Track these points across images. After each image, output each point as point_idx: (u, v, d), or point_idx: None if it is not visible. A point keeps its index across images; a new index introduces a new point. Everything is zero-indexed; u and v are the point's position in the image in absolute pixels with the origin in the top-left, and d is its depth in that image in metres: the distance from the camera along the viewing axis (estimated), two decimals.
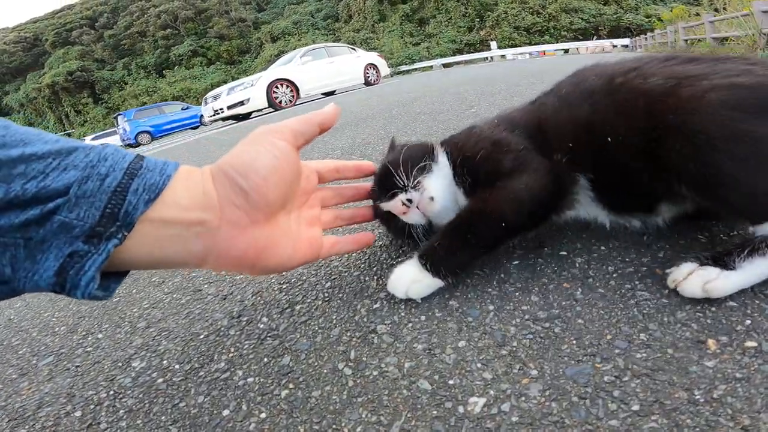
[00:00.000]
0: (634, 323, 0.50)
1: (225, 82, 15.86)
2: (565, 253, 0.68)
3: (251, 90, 7.51)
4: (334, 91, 9.31)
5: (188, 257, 0.41)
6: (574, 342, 0.49)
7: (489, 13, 29.32)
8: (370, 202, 0.73)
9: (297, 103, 8.09)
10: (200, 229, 0.40)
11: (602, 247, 0.67)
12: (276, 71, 8.11)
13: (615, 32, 24.90)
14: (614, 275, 0.59)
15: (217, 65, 36.47)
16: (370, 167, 0.69)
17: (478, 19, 29.91)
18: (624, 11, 26.84)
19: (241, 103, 7.50)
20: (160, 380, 0.59)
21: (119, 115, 14.23)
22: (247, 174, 0.43)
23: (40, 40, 42.14)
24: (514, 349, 0.51)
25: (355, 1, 34.84)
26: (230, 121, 8.39)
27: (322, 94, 9.21)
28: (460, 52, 26.95)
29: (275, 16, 40.47)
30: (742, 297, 0.50)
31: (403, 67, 24.30)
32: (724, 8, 6.64)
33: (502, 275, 0.65)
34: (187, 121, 13.78)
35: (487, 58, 22.53)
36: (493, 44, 23.96)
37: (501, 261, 0.69)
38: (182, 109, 14.37)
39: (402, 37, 30.72)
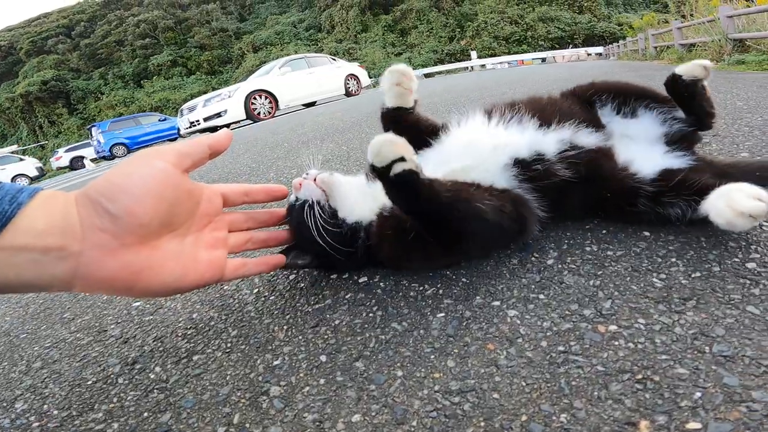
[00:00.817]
0: (557, 399, 0.41)
1: (205, 92, 15.65)
2: (498, 303, 0.59)
3: (228, 101, 7.34)
4: (315, 102, 9.20)
5: (52, 281, 0.41)
6: (482, 425, 0.40)
7: (469, 23, 29.86)
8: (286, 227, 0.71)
9: (276, 114, 7.95)
10: (60, 254, 0.40)
11: (541, 296, 0.58)
12: (254, 82, 7.97)
13: (589, 40, 25.62)
14: (548, 333, 0.51)
15: (198, 75, 35.99)
16: (281, 191, 0.67)
17: (458, 29, 30.42)
18: (597, 20, 27.68)
19: (218, 114, 7.32)
20: (36, 425, 0.57)
21: (93, 126, 13.75)
22: (115, 197, 0.42)
23: (15, 49, 40.98)
24: (412, 429, 0.42)
25: (338, 12, 35.05)
26: (208, 134, 8.21)
27: (303, 105, 9.09)
28: (441, 61, 27.27)
29: (257, 26, 40.34)
30: (696, 362, 0.42)
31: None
32: (691, 15, 6.79)
33: (422, 331, 0.57)
34: (164, 133, 13.47)
35: (467, 67, 22.84)
36: (473, 54, 24.34)
37: (424, 313, 0.61)
38: (160, 120, 14.05)
39: (384, 48, 30.96)
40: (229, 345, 0.64)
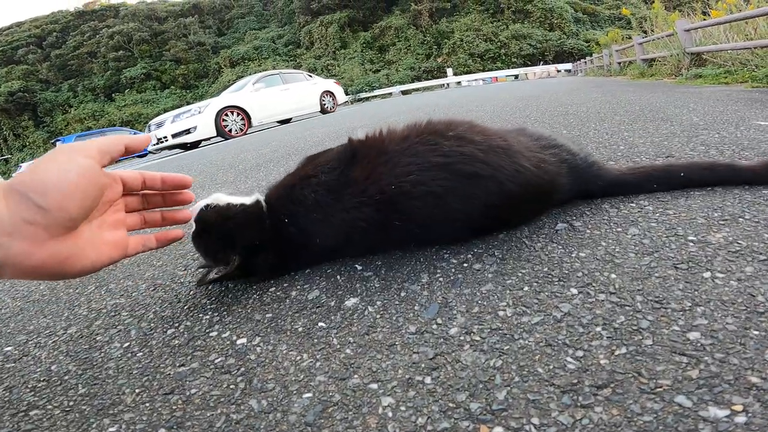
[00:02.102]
0: None
1: (179, 107, 15.36)
2: (375, 386, 0.47)
3: (198, 117, 7.08)
4: (290, 119, 9.02)
5: None
6: None
7: (446, 40, 30.53)
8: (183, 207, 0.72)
9: (248, 131, 7.73)
10: None
11: (428, 379, 0.45)
12: (226, 98, 7.76)
13: (559, 57, 26.51)
14: None
15: (172, 89, 35.24)
16: (180, 180, 0.67)
17: (435, 47, 31.06)
18: (567, 37, 28.73)
19: (188, 131, 7.03)
20: None
21: (59, 140, 13.26)
22: (46, 192, 0.44)
23: None
24: None
25: (318, 28, 35.29)
26: (177, 150, 7.91)
27: (278, 122, 8.88)
28: (418, 78, 27.66)
29: (236, 41, 40.12)
30: None
31: (363, 94, 24.50)
32: (652, 30, 6.99)
33: (279, 415, 0.46)
34: None
35: (443, 84, 23.22)
36: (449, 71, 24.80)
37: (291, 391, 0.50)
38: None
39: (363, 64, 31.25)
40: (71, 403, 0.57)
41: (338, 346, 0.55)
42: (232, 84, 10.45)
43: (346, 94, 14.52)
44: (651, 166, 0.84)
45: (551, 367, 0.43)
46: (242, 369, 0.55)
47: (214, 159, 3.75)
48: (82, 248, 0.50)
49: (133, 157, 13.20)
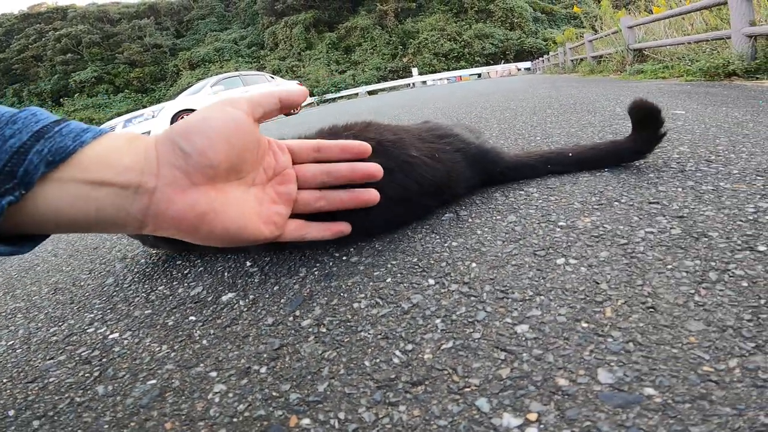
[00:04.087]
0: None
1: (134, 111, 14.68)
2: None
3: (152, 122, 6.89)
4: None
5: (127, 218, 0.41)
6: None
7: (411, 40, 30.76)
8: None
9: None
10: (137, 190, 0.40)
11: (263, 369, 0.38)
12: (182, 101, 7.63)
13: (520, 56, 27.31)
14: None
15: (126, 93, 33.50)
16: (361, 148, 0.56)
17: (401, 47, 31.23)
18: (526, 36, 29.61)
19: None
20: None
21: None
22: (189, 137, 0.44)
23: None
24: None
25: (282, 29, 34.68)
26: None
27: None
28: (384, 78, 27.72)
29: (195, 43, 38.74)
30: None
31: (329, 96, 24.30)
32: (601, 28, 7.31)
33: None
34: None
35: (409, 84, 23.40)
36: (415, 70, 25.01)
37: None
38: None
39: (328, 65, 30.98)
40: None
41: (197, 338, 0.54)
42: (190, 87, 10.15)
43: (312, 95, 14.36)
44: (546, 150, 0.85)
45: (378, 360, 0.41)
46: (103, 360, 0.56)
47: None
48: (224, 207, 0.46)
49: None
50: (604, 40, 6.50)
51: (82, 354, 0.58)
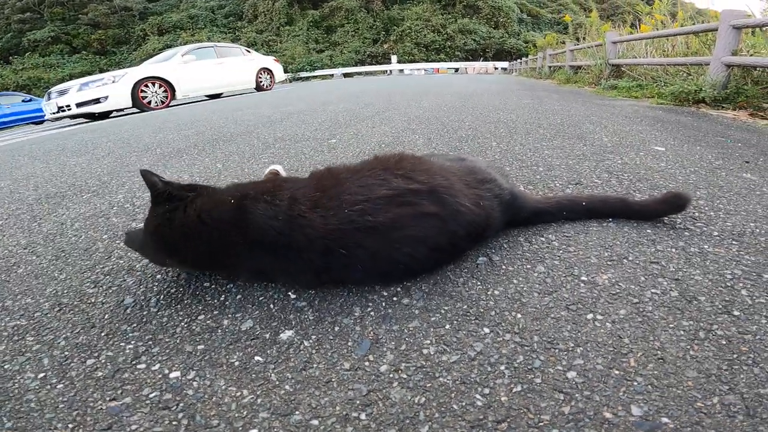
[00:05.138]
0: None
1: (90, 73, 13.60)
2: (316, 422, 0.49)
3: (111, 87, 6.51)
4: (221, 94, 8.63)
5: None
6: None
7: (395, 27, 30.31)
8: None
9: (171, 104, 7.26)
10: None
11: (362, 416, 0.49)
12: (148, 68, 7.20)
13: (499, 55, 27.70)
14: None
15: (83, 54, 30.97)
16: None
17: (384, 32, 30.73)
18: (509, 36, 30.01)
19: (97, 101, 6.46)
20: None
21: None
22: None
23: None
24: None
25: (264, 2, 33.04)
26: (82, 120, 7.11)
27: (206, 96, 8.47)
28: (362, 62, 27.28)
29: (169, 8, 36.23)
30: None
31: (303, 74, 23.72)
32: (584, 38, 7.56)
33: None
34: (28, 115, 11.84)
35: (386, 71, 23.21)
36: (394, 58, 24.79)
37: (236, 428, 0.51)
38: (24, 101, 12.23)
39: (307, 43, 30.01)
40: None
41: (277, 382, 0.56)
42: (157, 53, 9.60)
43: (286, 72, 13.98)
44: (562, 196, 0.97)
45: (464, 403, 0.50)
46: (181, 405, 0.54)
47: (127, 137, 3.33)
48: None
49: (28, 123, 11.90)
50: (585, 51, 6.73)
51: (152, 397, 0.55)
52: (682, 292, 0.68)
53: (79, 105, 6.43)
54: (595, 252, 0.82)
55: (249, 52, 9.52)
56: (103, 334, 0.71)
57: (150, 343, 0.67)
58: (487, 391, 0.51)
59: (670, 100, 3.41)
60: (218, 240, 0.71)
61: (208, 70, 8.00)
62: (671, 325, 0.60)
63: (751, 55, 2.92)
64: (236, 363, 0.60)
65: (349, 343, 0.62)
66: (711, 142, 1.77)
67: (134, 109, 6.94)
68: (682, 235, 0.87)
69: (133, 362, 0.63)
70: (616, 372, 0.52)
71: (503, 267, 0.78)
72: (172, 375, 0.60)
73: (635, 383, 0.51)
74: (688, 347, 0.56)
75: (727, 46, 2.84)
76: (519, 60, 17.50)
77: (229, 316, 0.72)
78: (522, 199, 0.88)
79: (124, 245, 1.08)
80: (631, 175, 1.30)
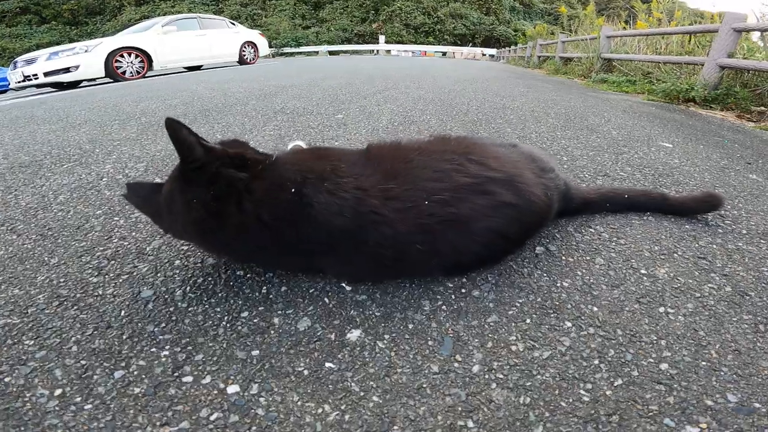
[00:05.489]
0: None
1: (59, 44, 12.76)
2: None
3: (83, 57, 6.27)
4: (200, 66, 8.43)
5: None
6: None
7: (385, 7, 29.50)
8: None
9: (147, 74, 7.03)
10: None
11: (470, 422, 0.41)
12: (123, 38, 6.97)
13: (487, 41, 27.59)
14: None
15: (53, 24, 28.63)
16: None
17: (373, 12, 29.90)
18: (499, 23, 29.83)
19: (66, 70, 6.22)
20: None
21: None
22: None
23: None
24: None
25: None
26: (48, 90, 6.69)
27: (184, 67, 8.23)
28: (349, 41, 26.57)
29: None
30: None
31: (287, 49, 22.98)
32: (576, 31, 7.61)
33: None
34: None
35: (373, 51, 22.76)
36: (382, 38, 24.28)
37: None
38: None
39: (293, 18, 28.85)
40: None
41: (361, 393, 0.50)
42: (134, 24, 9.13)
43: (270, 47, 13.56)
44: (606, 188, 0.98)
45: (571, 400, 0.49)
46: (253, 429, 0.45)
47: (104, 104, 3.08)
48: None
49: None
50: (577, 44, 6.77)
51: (214, 420, 0.46)
52: (733, 287, 0.71)
53: (47, 74, 6.18)
54: (645, 245, 0.83)
55: (234, 24, 9.31)
56: (124, 336, 0.59)
57: (189, 348, 0.57)
58: (589, 386, 0.51)
59: (661, 97, 3.49)
60: (278, 240, 0.61)
61: (190, 41, 7.79)
62: (734, 319, 0.63)
63: (745, 58, 3.01)
64: (305, 372, 0.53)
65: (429, 342, 0.58)
66: (710, 141, 1.83)
67: (107, 79, 6.63)
68: (716, 232, 0.90)
69: (176, 374, 0.53)
70: (703, 363, 0.54)
71: (563, 258, 0.78)
72: (231, 390, 0.51)
73: (722, 373, 0.53)
74: (755, 339, 0.58)
75: (724, 48, 2.92)
76: (507, 48, 17.49)
77: (279, 313, 0.63)
78: (573, 189, 0.88)
79: (122, 219, 0.97)
80: (651, 169, 1.33)
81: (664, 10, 5.11)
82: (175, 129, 0.56)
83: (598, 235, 0.86)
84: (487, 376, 0.53)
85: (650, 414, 0.47)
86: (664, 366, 0.54)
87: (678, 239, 0.85)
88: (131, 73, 6.70)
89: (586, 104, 2.87)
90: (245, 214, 0.59)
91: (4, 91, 10.43)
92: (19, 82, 6.41)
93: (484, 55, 22.35)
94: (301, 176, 0.62)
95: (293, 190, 0.60)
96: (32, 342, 0.60)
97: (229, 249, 0.67)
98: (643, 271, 0.74)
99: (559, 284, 0.70)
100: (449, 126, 1.95)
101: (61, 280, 0.75)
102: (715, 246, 0.83)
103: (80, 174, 1.38)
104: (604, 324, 0.61)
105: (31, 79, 6.25)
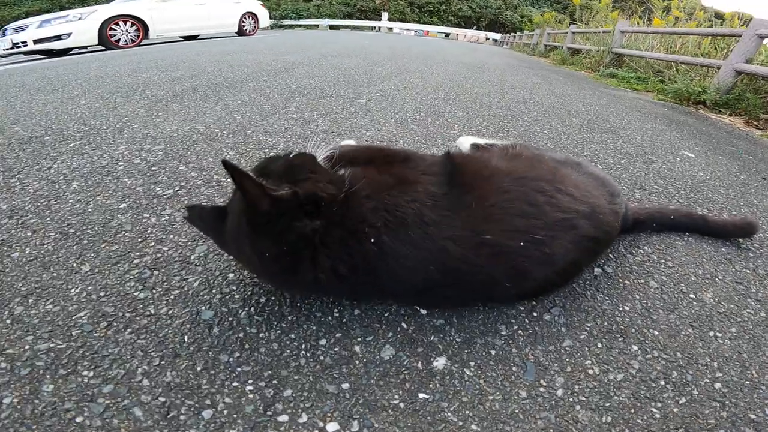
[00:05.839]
0: None
1: (50, 11, 12.19)
2: None
3: (76, 24, 6.16)
4: (197, 35, 8.25)
5: None
6: None
7: None
8: None
9: (143, 43, 6.85)
10: None
11: None
12: (119, 6, 6.77)
13: (492, 26, 27.01)
14: None
15: None
16: None
17: None
18: (506, 8, 29.16)
19: (58, 37, 6.10)
20: None
21: None
22: None
23: None
24: None
25: None
26: (37, 57, 6.43)
27: (180, 37, 8.01)
28: (350, 16, 25.78)
29: None
30: None
31: (287, 21, 22.23)
32: (587, 22, 7.50)
33: None
34: None
35: (374, 27, 22.16)
36: (385, 15, 23.59)
37: None
38: None
39: None
40: None
41: (460, 423, 0.51)
42: None
43: (270, 18, 13.11)
44: (653, 207, 1.02)
45: (645, 417, 0.54)
46: None
47: (102, 74, 2.91)
48: None
49: None
50: (588, 36, 6.66)
51: None
52: (767, 313, 0.75)
53: (36, 41, 6.02)
54: (690, 269, 0.87)
55: None
56: (198, 368, 0.55)
57: (275, 383, 0.53)
58: (659, 404, 0.56)
59: (672, 97, 3.49)
60: (357, 289, 0.59)
61: (188, 9, 7.59)
62: None
63: (762, 65, 3.01)
64: (401, 405, 0.52)
65: (513, 368, 0.60)
66: (727, 151, 1.85)
67: (99, 47, 6.42)
68: (748, 256, 0.94)
69: (268, 413, 0.49)
70: (747, 382, 0.60)
71: (619, 280, 0.82)
72: (330, 428, 0.49)
73: (761, 390, 0.59)
74: None
75: (744, 53, 2.92)
76: (512, 34, 17.17)
77: (359, 340, 0.61)
78: (629, 211, 0.91)
79: (153, 217, 0.89)
80: (681, 183, 1.35)
81: (684, 9, 5.04)
82: (239, 178, 0.51)
83: (647, 257, 0.90)
84: (571, 399, 0.57)
85: (709, 427, 0.53)
86: (717, 385, 0.60)
87: (717, 263, 0.90)
88: (126, 41, 6.52)
89: (601, 102, 2.86)
90: (320, 269, 0.55)
91: None
92: (7, 49, 6.16)
93: (487, 39, 21.94)
94: (381, 220, 0.56)
95: (372, 240, 0.55)
96: (91, 373, 0.53)
97: (306, 292, 0.68)
98: (692, 296, 0.79)
99: (621, 308, 0.74)
100: (477, 121, 1.94)
101: (101, 294, 0.67)
102: (748, 271, 0.88)
103: (91, 156, 1.27)
104: (665, 347, 0.66)
105: (20, 46, 6.04)
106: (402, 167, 0.68)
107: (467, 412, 0.53)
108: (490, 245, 0.58)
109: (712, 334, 0.69)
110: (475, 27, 25.85)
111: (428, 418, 0.51)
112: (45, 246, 0.79)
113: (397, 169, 0.66)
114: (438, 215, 0.58)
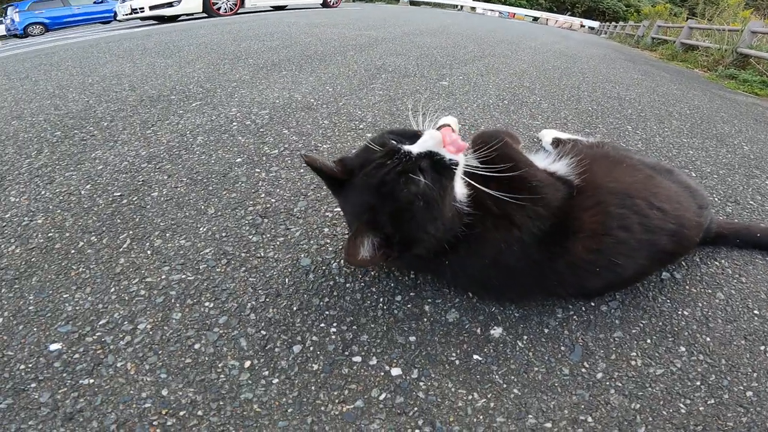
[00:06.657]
0: None
1: None
2: (549, 425, 0.54)
3: None
4: (285, 6, 8.71)
5: None
6: None
7: None
8: None
9: (239, 11, 7.41)
10: None
11: (589, 418, 0.56)
12: None
13: (589, 13, 24.54)
14: None
15: None
16: None
17: None
18: None
19: (170, 4, 6.79)
20: None
21: (10, 5, 12.35)
22: None
23: None
24: None
25: None
26: (150, 22, 7.23)
27: (271, 6, 8.54)
28: None
29: None
30: None
31: None
32: (710, 19, 6.62)
33: None
34: (96, 16, 12.71)
35: (457, 6, 21.28)
36: None
37: None
38: (95, 2, 13.04)
39: None
40: None
41: (503, 385, 0.57)
42: None
43: None
44: (740, 224, 0.99)
45: (671, 410, 0.58)
46: (416, 410, 0.51)
47: (208, 42, 3.22)
48: None
49: (96, 22, 12.01)
50: (708, 33, 5.89)
51: (383, 399, 0.51)
52: None
53: (152, 8, 6.75)
54: (763, 287, 0.84)
55: None
56: (294, 308, 0.63)
57: (354, 328, 0.61)
58: (688, 401, 0.59)
59: None
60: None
61: None
62: None
63: None
64: (456, 362, 0.59)
65: (562, 348, 0.65)
66: None
67: (202, 15, 7.06)
68: None
69: (346, 353, 0.57)
70: None
71: (686, 287, 0.82)
72: (394, 372, 0.56)
73: None
74: None
75: None
76: (612, 23, 15.51)
77: (429, 301, 0.68)
78: (713, 222, 0.88)
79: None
80: None
81: None
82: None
83: (722, 270, 0.87)
84: (607, 383, 0.61)
85: (726, 428, 0.56)
86: (749, 393, 0.61)
87: None
88: (225, 9, 7.11)
89: (712, 105, 2.57)
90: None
91: (109, 22, 11.60)
92: (127, 14, 7.08)
93: (582, 26, 20.00)
94: (515, 227, 0.60)
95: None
96: (212, 305, 0.61)
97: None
98: (756, 312, 0.77)
99: (680, 312, 0.75)
100: (563, 114, 1.89)
101: (223, 234, 0.78)
102: None
103: (210, 115, 1.47)
104: (712, 354, 0.67)
105: (137, 12, 6.87)
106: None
107: (513, 377, 0.59)
108: (598, 252, 0.62)
109: (763, 348, 0.69)
110: (568, 12, 23.66)
111: (477, 376, 0.59)
112: (178, 189, 0.95)
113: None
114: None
